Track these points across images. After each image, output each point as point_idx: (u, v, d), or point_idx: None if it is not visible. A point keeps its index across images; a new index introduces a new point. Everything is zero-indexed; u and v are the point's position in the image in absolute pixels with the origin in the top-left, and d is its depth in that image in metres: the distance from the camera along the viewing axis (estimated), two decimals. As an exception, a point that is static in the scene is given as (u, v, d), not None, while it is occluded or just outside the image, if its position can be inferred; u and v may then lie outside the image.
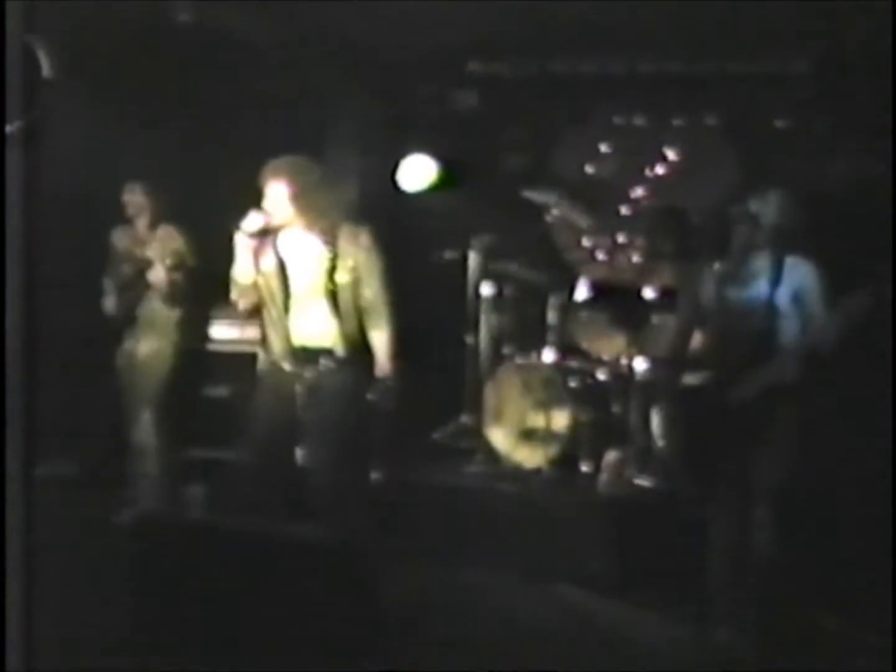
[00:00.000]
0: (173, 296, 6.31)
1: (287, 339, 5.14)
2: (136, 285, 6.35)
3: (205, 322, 6.92)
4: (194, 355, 6.61)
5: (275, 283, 5.14)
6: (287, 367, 5.14)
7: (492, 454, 6.76)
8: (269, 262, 5.13)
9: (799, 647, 4.61)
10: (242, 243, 5.06)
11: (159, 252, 6.25)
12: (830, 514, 5.21)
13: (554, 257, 7.66)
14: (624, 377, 6.59)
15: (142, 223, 6.41)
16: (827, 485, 5.19)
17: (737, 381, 4.67)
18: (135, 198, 6.37)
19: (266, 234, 5.08)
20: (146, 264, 6.28)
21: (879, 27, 5.48)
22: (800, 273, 4.71)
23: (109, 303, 6.40)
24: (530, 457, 6.59)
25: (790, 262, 4.71)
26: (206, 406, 6.82)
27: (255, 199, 5.10)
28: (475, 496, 6.25)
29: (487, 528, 5.83)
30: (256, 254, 5.09)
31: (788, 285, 4.69)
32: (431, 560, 5.40)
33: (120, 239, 6.49)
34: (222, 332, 6.95)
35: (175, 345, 6.41)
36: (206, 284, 6.15)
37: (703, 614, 4.79)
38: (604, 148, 7.85)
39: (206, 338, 6.94)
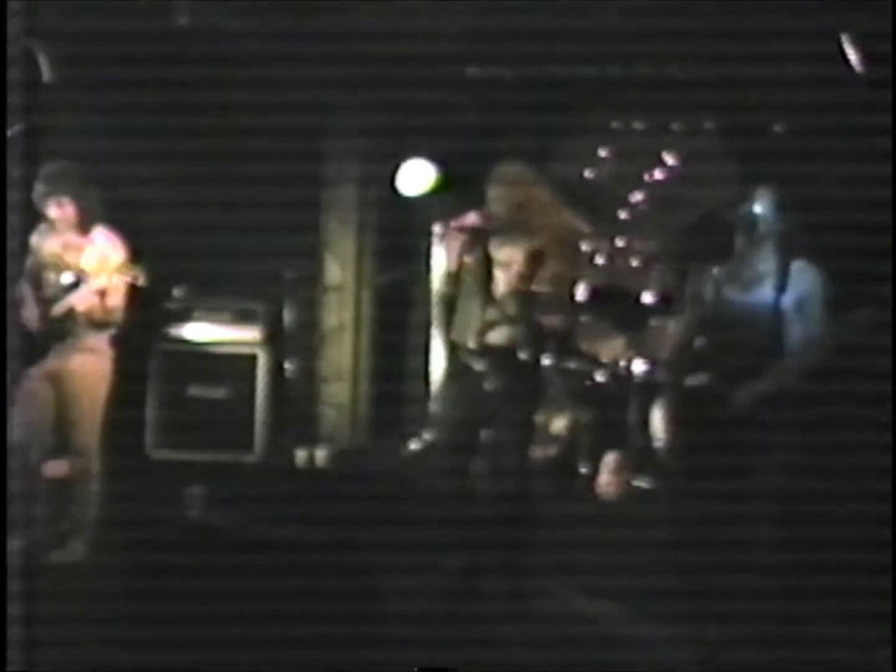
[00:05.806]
0: (110, 312, 5.52)
1: (478, 335, 5.20)
2: (63, 298, 5.50)
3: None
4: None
5: (477, 279, 5.23)
6: (475, 364, 5.20)
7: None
8: (473, 257, 5.25)
9: (798, 649, 4.60)
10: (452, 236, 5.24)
11: (96, 264, 5.41)
12: (829, 516, 5.21)
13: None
14: (622, 379, 6.61)
15: (71, 232, 5.57)
16: (826, 489, 5.19)
17: (737, 385, 4.67)
18: (65, 211, 5.52)
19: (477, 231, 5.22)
20: (79, 274, 5.45)
21: (879, 27, 5.51)
22: (806, 279, 4.69)
23: (31, 315, 5.51)
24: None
25: (797, 266, 4.69)
26: (204, 407, 6.83)
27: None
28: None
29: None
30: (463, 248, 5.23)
31: (794, 290, 4.67)
32: (432, 560, 5.40)
33: (45, 242, 5.61)
34: (221, 332, 6.96)
35: (111, 360, 5.63)
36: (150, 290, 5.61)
37: (702, 614, 4.78)
38: (602, 152, 7.86)
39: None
